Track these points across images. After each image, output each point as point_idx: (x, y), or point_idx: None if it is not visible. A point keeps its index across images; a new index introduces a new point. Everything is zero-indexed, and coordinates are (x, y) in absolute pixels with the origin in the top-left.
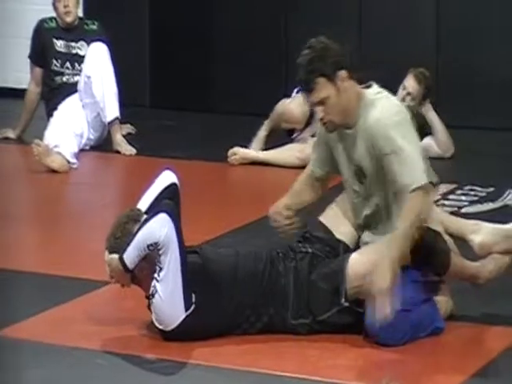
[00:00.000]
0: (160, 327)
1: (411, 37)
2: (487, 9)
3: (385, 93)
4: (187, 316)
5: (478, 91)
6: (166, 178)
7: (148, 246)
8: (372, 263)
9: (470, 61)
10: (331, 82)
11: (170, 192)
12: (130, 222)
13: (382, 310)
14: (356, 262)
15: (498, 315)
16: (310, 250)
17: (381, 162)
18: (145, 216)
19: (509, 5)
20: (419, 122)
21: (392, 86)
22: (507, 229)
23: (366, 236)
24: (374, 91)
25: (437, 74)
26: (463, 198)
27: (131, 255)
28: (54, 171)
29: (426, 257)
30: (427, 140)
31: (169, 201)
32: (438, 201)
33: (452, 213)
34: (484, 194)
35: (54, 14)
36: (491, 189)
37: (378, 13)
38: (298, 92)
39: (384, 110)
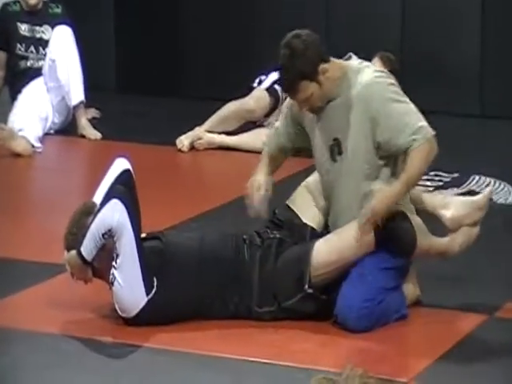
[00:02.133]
0: (123, 315)
1: (377, 25)
2: None
3: (365, 62)
4: (149, 300)
5: (443, 76)
6: (119, 165)
7: (103, 235)
8: (337, 251)
9: (434, 47)
10: (314, 81)
11: (123, 179)
12: (84, 216)
13: (364, 232)
14: (321, 250)
15: (465, 302)
16: (277, 236)
17: (371, 129)
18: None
19: None
20: None
21: None
22: (475, 200)
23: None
24: (357, 61)
25: (402, 60)
26: (428, 183)
27: (88, 247)
28: (18, 155)
29: (391, 239)
30: None
31: (120, 186)
32: None
33: None
34: (449, 180)
35: None
36: (456, 174)
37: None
38: (259, 84)
39: (373, 74)
